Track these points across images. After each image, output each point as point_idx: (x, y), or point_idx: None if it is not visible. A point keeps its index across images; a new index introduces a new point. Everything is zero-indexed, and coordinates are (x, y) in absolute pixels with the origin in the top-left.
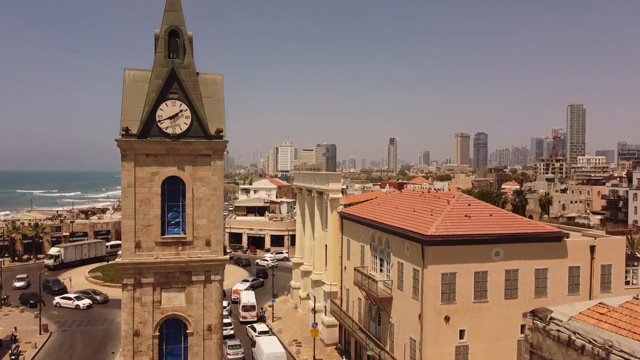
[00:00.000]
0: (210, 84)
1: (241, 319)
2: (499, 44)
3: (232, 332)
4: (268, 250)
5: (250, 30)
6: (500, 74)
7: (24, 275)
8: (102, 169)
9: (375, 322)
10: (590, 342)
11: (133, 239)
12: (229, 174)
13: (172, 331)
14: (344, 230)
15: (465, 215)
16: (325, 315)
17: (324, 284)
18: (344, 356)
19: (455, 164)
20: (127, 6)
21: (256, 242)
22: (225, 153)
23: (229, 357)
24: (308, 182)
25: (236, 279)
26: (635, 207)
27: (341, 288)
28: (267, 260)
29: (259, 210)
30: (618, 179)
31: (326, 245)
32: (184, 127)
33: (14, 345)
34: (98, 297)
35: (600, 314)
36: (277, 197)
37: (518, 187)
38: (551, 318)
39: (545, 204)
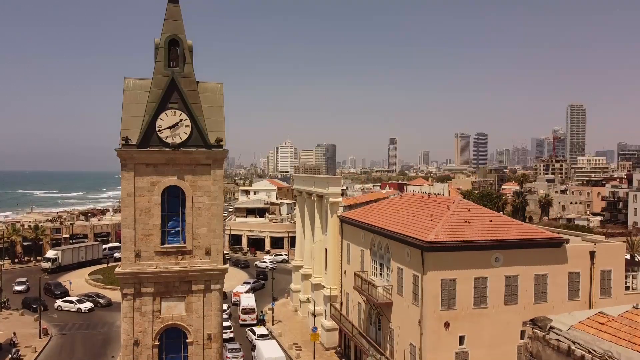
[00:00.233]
0: (210, 92)
1: (241, 322)
2: (499, 44)
3: (231, 335)
4: (268, 252)
5: (250, 30)
6: (500, 74)
7: (24, 279)
8: (101, 169)
9: (375, 327)
10: (589, 352)
11: (133, 249)
12: (229, 174)
13: (172, 340)
14: (344, 234)
15: (465, 221)
16: (325, 319)
17: (324, 287)
18: None
19: (455, 164)
20: (127, 6)
21: (256, 244)
22: (226, 153)
23: None
24: (308, 185)
25: (236, 282)
26: (635, 208)
27: (341, 292)
28: (266, 262)
29: (259, 212)
30: (618, 180)
31: (326, 249)
32: (184, 137)
33: (13, 350)
34: (101, 300)
35: (600, 323)
36: (277, 199)
37: (518, 187)
38: (551, 327)
39: (545, 205)
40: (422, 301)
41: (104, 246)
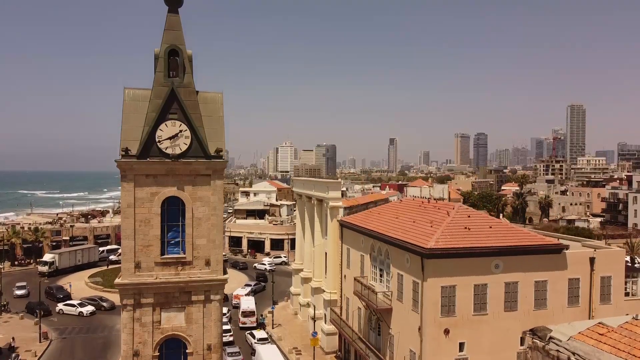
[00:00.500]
0: (210, 102)
1: (241, 325)
2: (499, 44)
3: (231, 338)
4: (268, 254)
5: (250, 30)
6: (500, 74)
7: (24, 283)
8: (102, 169)
9: (375, 332)
10: None
11: (133, 259)
12: (229, 174)
13: (172, 351)
14: (344, 238)
15: (465, 227)
16: (325, 323)
17: (324, 291)
18: None
19: (456, 164)
20: (127, 6)
21: (256, 246)
22: (225, 153)
23: None
24: (308, 189)
25: (236, 284)
26: (635, 210)
27: (341, 296)
28: (265, 264)
29: (259, 213)
30: (618, 181)
31: (326, 253)
32: (184, 147)
33: (13, 355)
34: (105, 304)
35: (600, 334)
36: (277, 200)
37: (518, 188)
38: (550, 337)
39: (545, 206)
40: (422, 308)
41: (100, 249)
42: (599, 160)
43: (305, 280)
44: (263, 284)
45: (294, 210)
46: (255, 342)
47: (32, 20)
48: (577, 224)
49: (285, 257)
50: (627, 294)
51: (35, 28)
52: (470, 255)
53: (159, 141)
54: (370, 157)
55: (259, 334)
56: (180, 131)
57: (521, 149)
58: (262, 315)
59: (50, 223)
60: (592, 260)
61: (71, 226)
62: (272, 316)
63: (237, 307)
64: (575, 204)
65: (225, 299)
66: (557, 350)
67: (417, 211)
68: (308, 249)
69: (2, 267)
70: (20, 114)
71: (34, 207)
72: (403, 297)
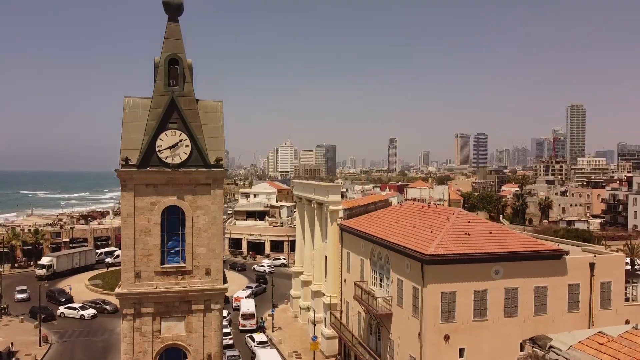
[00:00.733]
0: (210, 110)
1: (240, 327)
2: (499, 44)
3: (231, 341)
4: (268, 256)
5: (250, 30)
6: (500, 74)
7: (24, 287)
8: (102, 169)
9: (375, 337)
10: None
11: (133, 269)
12: (229, 174)
13: None
14: (344, 242)
15: (465, 233)
16: (325, 326)
17: (324, 295)
18: None
19: (456, 164)
20: (127, 6)
21: (256, 248)
22: (225, 153)
23: None
24: (308, 192)
25: (236, 286)
26: (635, 211)
27: (341, 300)
28: (264, 266)
29: (259, 215)
30: (618, 182)
31: (326, 257)
32: (184, 157)
33: (13, 359)
34: (108, 307)
35: (600, 344)
36: (277, 201)
37: (518, 189)
38: (550, 346)
39: (545, 207)
40: (422, 314)
41: (98, 251)
42: (599, 161)
43: (305, 284)
44: (264, 286)
45: (294, 212)
46: (255, 346)
47: (32, 20)
48: (577, 225)
49: (284, 259)
50: (627, 300)
51: (35, 28)
52: (470, 261)
53: (159, 151)
54: (370, 157)
55: (259, 337)
56: (180, 140)
57: (521, 149)
58: (262, 319)
59: (50, 225)
60: (592, 266)
61: (71, 228)
62: (272, 319)
63: (237, 309)
64: (575, 205)
65: (226, 301)
66: None
67: (417, 216)
68: (308, 252)
69: (2, 270)
70: (20, 114)
71: (35, 208)
72: (403, 302)
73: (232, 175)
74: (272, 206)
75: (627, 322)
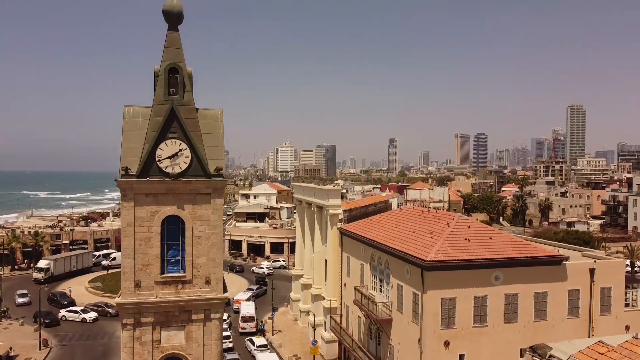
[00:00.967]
0: (210, 119)
1: (240, 330)
2: (499, 44)
3: (231, 344)
4: (268, 258)
5: (250, 30)
6: (500, 74)
7: (25, 291)
8: (102, 169)
9: (375, 342)
10: None
11: (133, 279)
12: (229, 174)
13: None
14: (344, 246)
15: (465, 239)
16: (325, 330)
17: (324, 298)
18: None
19: (456, 164)
20: (127, 6)
21: (256, 250)
22: (225, 153)
23: None
24: (308, 195)
25: (236, 289)
26: (635, 213)
27: (341, 304)
28: (263, 268)
29: (259, 216)
30: (618, 183)
31: (326, 260)
32: (184, 166)
33: None
34: (111, 310)
35: (600, 353)
36: (277, 203)
37: (518, 190)
38: (551, 355)
39: (545, 209)
40: (422, 320)
41: (96, 253)
42: (598, 162)
43: (306, 287)
44: (264, 288)
45: (294, 213)
46: (254, 349)
47: (32, 20)
48: (577, 226)
49: (284, 261)
50: (627, 305)
51: (35, 28)
52: (470, 267)
53: (159, 160)
54: (370, 157)
55: (259, 340)
56: (180, 150)
57: (521, 149)
58: (261, 322)
59: (50, 227)
60: (592, 272)
61: (71, 230)
62: (272, 322)
63: (237, 311)
64: (575, 206)
65: (227, 304)
66: None
67: (417, 221)
68: (308, 255)
69: (2, 273)
70: (20, 114)
71: (36, 209)
72: (403, 308)
73: (232, 176)
74: (272, 207)
75: (627, 327)
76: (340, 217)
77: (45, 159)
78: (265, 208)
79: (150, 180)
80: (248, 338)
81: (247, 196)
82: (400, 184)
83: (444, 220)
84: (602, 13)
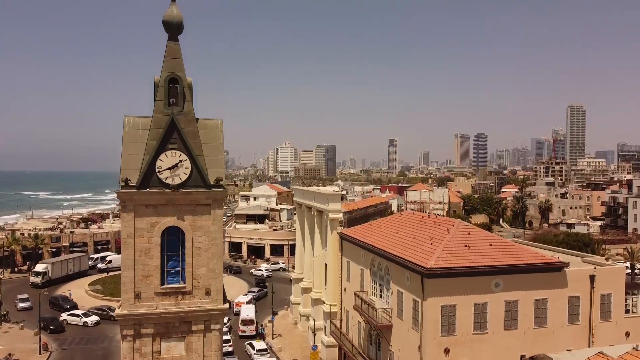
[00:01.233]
0: (210, 129)
1: (240, 333)
2: (499, 44)
3: (230, 348)
4: (268, 260)
5: (250, 30)
6: (500, 74)
7: (26, 296)
8: (102, 169)
9: (375, 348)
10: None
11: (133, 290)
12: (229, 174)
13: None
14: (344, 251)
15: (465, 245)
16: (325, 335)
17: (324, 303)
18: None
19: (456, 164)
20: (127, 6)
21: (256, 252)
22: (225, 153)
23: None
24: (308, 199)
25: (236, 291)
26: (635, 214)
27: (341, 309)
28: (262, 270)
29: (259, 218)
30: (618, 184)
31: (326, 264)
32: (184, 177)
33: None
34: (113, 314)
35: None
36: (277, 204)
37: (518, 190)
38: None
39: (545, 210)
40: (422, 327)
41: (93, 256)
42: (598, 162)
43: (306, 291)
44: (265, 290)
45: (294, 214)
46: (254, 354)
47: (32, 21)
48: (577, 228)
49: (284, 263)
50: (627, 311)
51: (35, 28)
52: (470, 274)
53: (159, 171)
54: (370, 157)
55: (259, 344)
56: (180, 161)
57: (521, 150)
58: (261, 325)
59: (50, 229)
60: (592, 278)
61: (71, 232)
62: (272, 326)
63: (237, 314)
64: (575, 208)
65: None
66: None
67: (417, 226)
68: (308, 258)
69: (2, 275)
70: (20, 114)
71: (37, 209)
72: (403, 314)
73: (232, 176)
74: (272, 209)
75: (627, 334)
76: (340, 220)
77: (46, 159)
78: (265, 210)
79: (150, 192)
80: (248, 342)
81: (247, 197)
82: (400, 184)
83: (444, 227)
84: (602, 13)
